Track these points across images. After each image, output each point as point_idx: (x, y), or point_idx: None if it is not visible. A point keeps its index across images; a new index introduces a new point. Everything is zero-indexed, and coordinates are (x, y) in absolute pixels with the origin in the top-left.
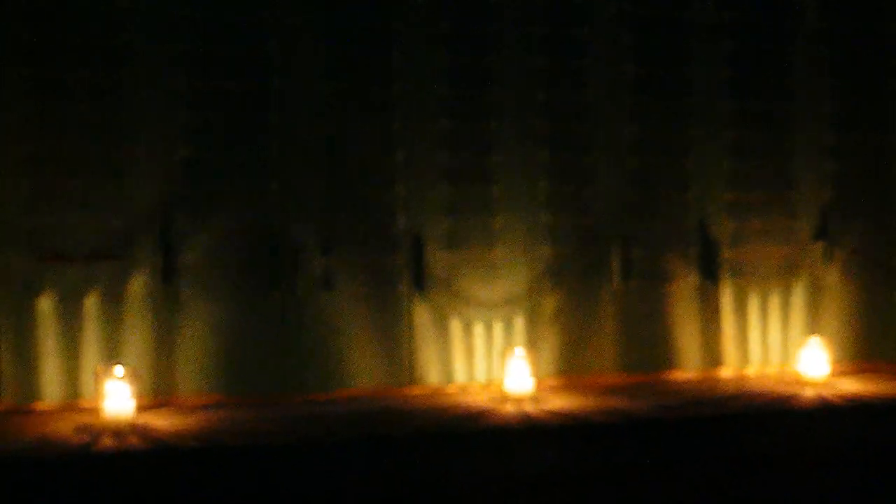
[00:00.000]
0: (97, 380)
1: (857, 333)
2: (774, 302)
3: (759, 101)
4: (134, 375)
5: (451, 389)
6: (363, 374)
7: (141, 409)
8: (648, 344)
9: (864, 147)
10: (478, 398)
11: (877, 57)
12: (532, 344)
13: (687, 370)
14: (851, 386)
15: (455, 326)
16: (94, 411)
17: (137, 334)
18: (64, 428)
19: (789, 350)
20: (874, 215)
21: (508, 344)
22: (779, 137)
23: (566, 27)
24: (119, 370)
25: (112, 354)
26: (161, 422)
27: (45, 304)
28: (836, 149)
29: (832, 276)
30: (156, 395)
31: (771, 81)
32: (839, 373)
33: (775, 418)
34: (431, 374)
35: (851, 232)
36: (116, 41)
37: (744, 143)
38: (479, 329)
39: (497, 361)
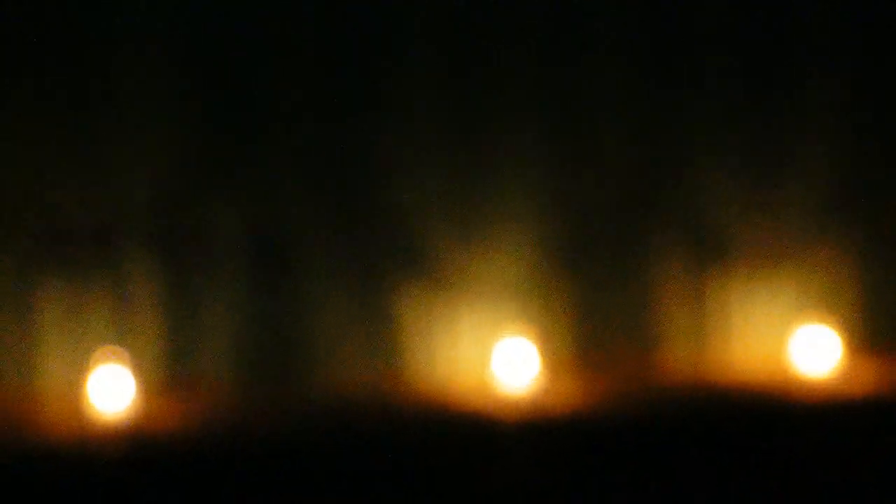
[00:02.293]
0: (98, 366)
1: (865, 318)
2: (778, 287)
3: (762, 81)
4: (133, 363)
5: (445, 377)
6: (356, 362)
7: (138, 396)
8: (646, 331)
9: (871, 127)
10: (474, 387)
11: (886, 36)
12: (530, 331)
13: (682, 358)
14: (858, 375)
15: (451, 314)
16: (95, 399)
17: (136, 322)
18: (63, 415)
19: (792, 336)
20: (882, 197)
21: (506, 332)
22: (783, 117)
23: (566, 10)
24: (119, 357)
25: (113, 341)
26: (158, 410)
27: (46, 289)
28: (842, 130)
29: (838, 260)
30: (153, 382)
31: (776, 60)
32: (846, 359)
33: (777, 411)
34: (426, 362)
35: (857, 215)
36: (113, 36)
37: (746, 125)
38: (476, 317)
39: (494, 349)
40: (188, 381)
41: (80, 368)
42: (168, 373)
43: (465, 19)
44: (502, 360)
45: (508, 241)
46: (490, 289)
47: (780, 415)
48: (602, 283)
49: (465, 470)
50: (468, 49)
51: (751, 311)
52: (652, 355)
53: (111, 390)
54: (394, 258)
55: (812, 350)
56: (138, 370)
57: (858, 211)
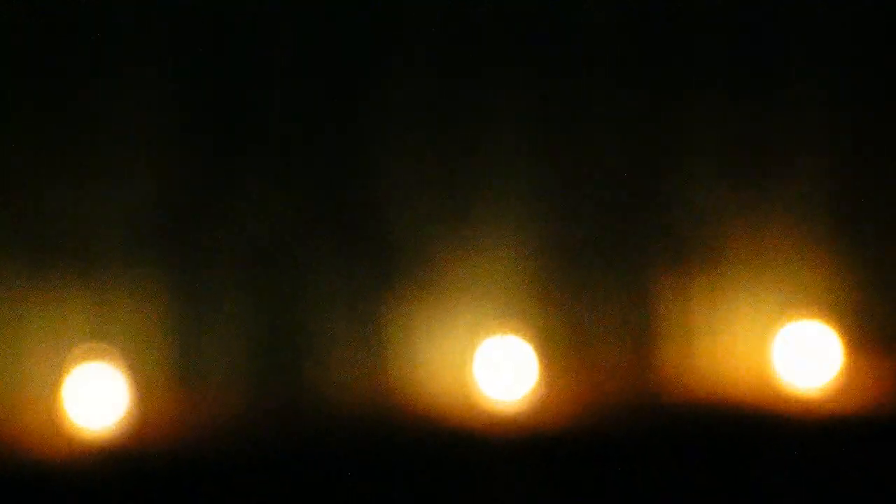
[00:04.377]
0: (82, 376)
1: (861, 320)
2: (767, 289)
3: (755, 80)
4: (117, 373)
5: (434, 385)
6: (344, 372)
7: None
8: (635, 331)
9: (859, 128)
10: (463, 394)
11: (879, 36)
12: (521, 338)
13: (674, 357)
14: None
15: (441, 321)
16: (82, 407)
17: (122, 331)
18: (49, 424)
19: (777, 338)
20: (875, 195)
21: (497, 336)
22: (775, 118)
23: (555, 10)
24: (105, 366)
25: (99, 351)
26: (140, 420)
27: (36, 299)
28: (831, 129)
29: (828, 261)
30: (140, 389)
31: (769, 59)
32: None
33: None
34: (414, 371)
35: (849, 213)
36: (104, 38)
37: (738, 125)
38: (467, 320)
39: (485, 356)
40: (173, 388)
41: (68, 370)
42: (155, 378)
43: (459, 23)
44: (489, 364)
45: (500, 243)
46: (481, 293)
47: (779, 424)
48: (593, 288)
49: (453, 481)
50: (458, 50)
51: (748, 313)
52: (644, 361)
53: (100, 393)
54: (383, 261)
55: (808, 353)
56: (129, 374)
57: (854, 210)
